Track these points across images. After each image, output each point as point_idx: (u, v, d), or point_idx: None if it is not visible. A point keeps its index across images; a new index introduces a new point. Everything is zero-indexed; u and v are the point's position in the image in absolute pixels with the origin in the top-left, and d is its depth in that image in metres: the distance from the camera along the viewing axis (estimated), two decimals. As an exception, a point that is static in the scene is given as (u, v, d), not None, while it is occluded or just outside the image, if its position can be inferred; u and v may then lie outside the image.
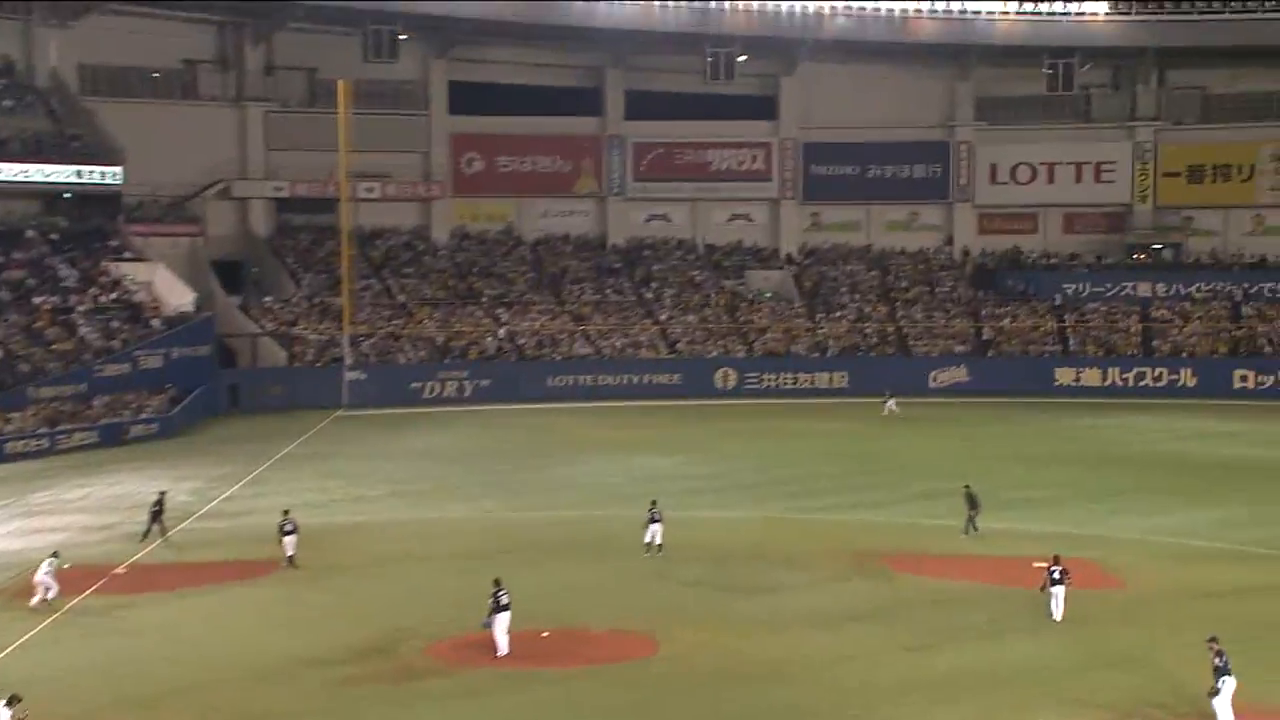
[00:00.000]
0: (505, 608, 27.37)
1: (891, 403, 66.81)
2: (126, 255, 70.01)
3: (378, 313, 76.16)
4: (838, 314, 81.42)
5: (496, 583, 27.80)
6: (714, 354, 77.62)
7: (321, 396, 68.25)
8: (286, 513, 35.82)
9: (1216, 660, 23.20)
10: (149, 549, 37.12)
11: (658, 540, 35.84)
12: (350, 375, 70.03)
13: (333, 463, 52.52)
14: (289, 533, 34.95)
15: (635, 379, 74.92)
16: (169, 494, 40.52)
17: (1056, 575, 29.75)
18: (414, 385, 71.83)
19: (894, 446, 57.13)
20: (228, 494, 45.74)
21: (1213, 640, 23.67)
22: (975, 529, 38.30)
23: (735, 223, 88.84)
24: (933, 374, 76.64)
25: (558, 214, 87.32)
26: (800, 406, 70.95)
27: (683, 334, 78.81)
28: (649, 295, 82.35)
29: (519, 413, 67.96)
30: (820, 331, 79.73)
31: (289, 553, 34.82)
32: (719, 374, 75.99)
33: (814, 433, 61.28)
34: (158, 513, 38.11)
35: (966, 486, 38.96)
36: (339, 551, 36.65)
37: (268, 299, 75.68)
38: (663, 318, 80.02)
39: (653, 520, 35.98)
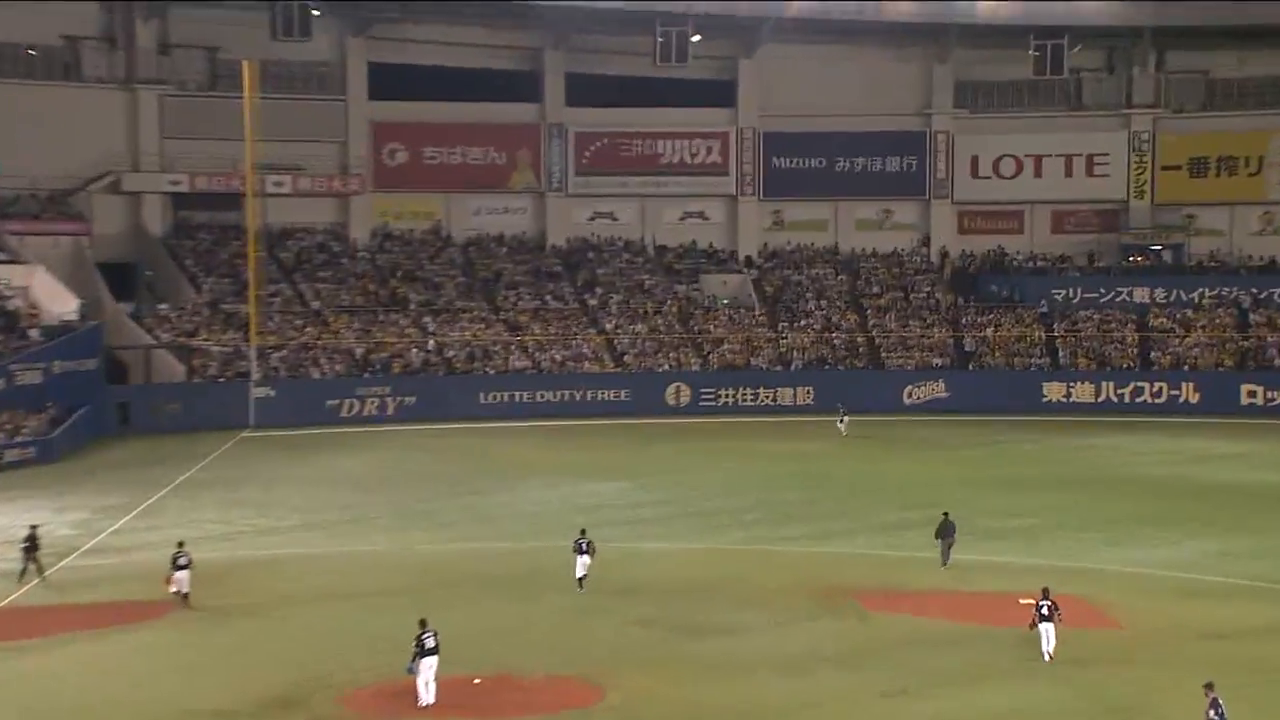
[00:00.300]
0: (432, 651, 27.26)
1: (843, 421, 67.26)
2: (0, 257, 69.21)
3: (289, 322, 75.75)
4: (802, 323, 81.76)
5: (422, 623, 27.70)
6: (665, 367, 77.76)
7: (225, 416, 67.87)
8: (181, 544, 35.44)
9: (1211, 712, 23.25)
10: (25, 590, 36.65)
11: (583, 573, 35.92)
12: (258, 392, 69.69)
13: (237, 490, 52.20)
14: (182, 567, 34.57)
15: (578, 395, 74.93)
16: (47, 527, 40.04)
17: (1045, 611, 29.92)
18: (330, 403, 71.50)
19: (866, 470, 57.48)
20: (116, 526, 45.29)
21: (1209, 686, 23.71)
22: (947, 561, 38.53)
23: (689, 221, 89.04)
24: (908, 389, 77.15)
25: (491, 211, 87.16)
26: (761, 425, 71.21)
27: (631, 345, 78.93)
28: (593, 302, 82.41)
29: (448, 433, 67.78)
30: (783, 342, 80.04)
31: (183, 590, 34.38)
32: (671, 389, 76.16)
33: (777, 454, 61.51)
34: (30, 549, 37.42)
35: (945, 514, 39.20)
36: (244, 590, 36.38)
37: (163, 306, 75.02)
38: (608, 327, 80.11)
39: (580, 551, 36.02)
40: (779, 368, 78.68)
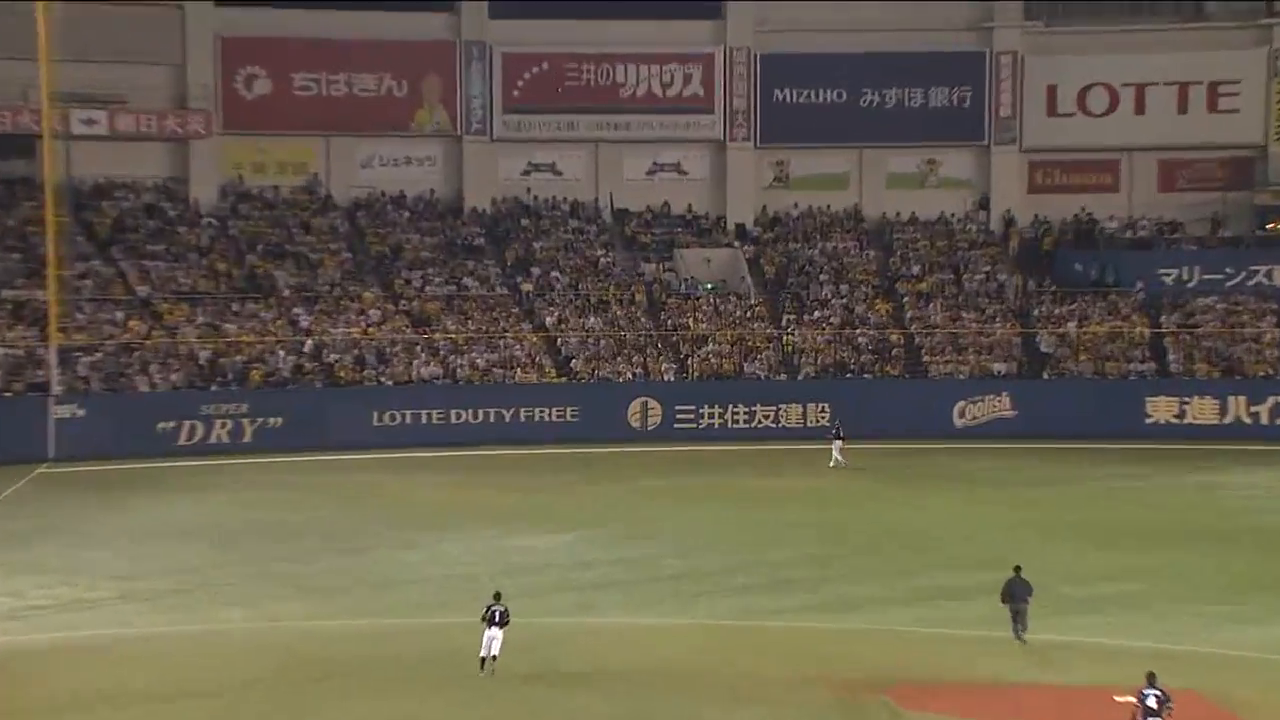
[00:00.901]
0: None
1: (836, 447, 67.77)
2: None
3: (105, 314, 75.59)
4: (815, 315, 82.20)
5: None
6: (628, 377, 78.05)
7: (13, 444, 67.67)
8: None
9: None
10: None
11: (494, 652, 35.87)
12: (60, 411, 69.49)
13: (30, 548, 51.76)
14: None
15: (507, 415, 75.23)
16: None
17: (1153, 703, 29.96)
18: (163, 426, 71.43)
19: (899, 517, 57.63)
20: None
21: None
22: (1024, 631, 38.68)
23: (659, 177, 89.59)
24: (959, 406, 77.67)
25: (388, 162, 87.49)
26: (758, 455, 71.50)
27: (580, 347, 79.09)
28: (528, 287, 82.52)
29: (329, 467, 67.86)
30: (789, 340, 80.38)
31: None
32: (635, 407, 76.46)
33: (778, 495, 61.75)
34: None
35: (1017, 569, 39.24)
36: (38, 688, 36.01)
37: (-74, 292, 74.90)
38: (549, 321, 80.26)
39: (491, 622, 35.91)
40: (782, 376, 79.02)
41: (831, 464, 67.49)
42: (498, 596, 36.74)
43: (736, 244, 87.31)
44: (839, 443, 68.09)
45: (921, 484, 64.72)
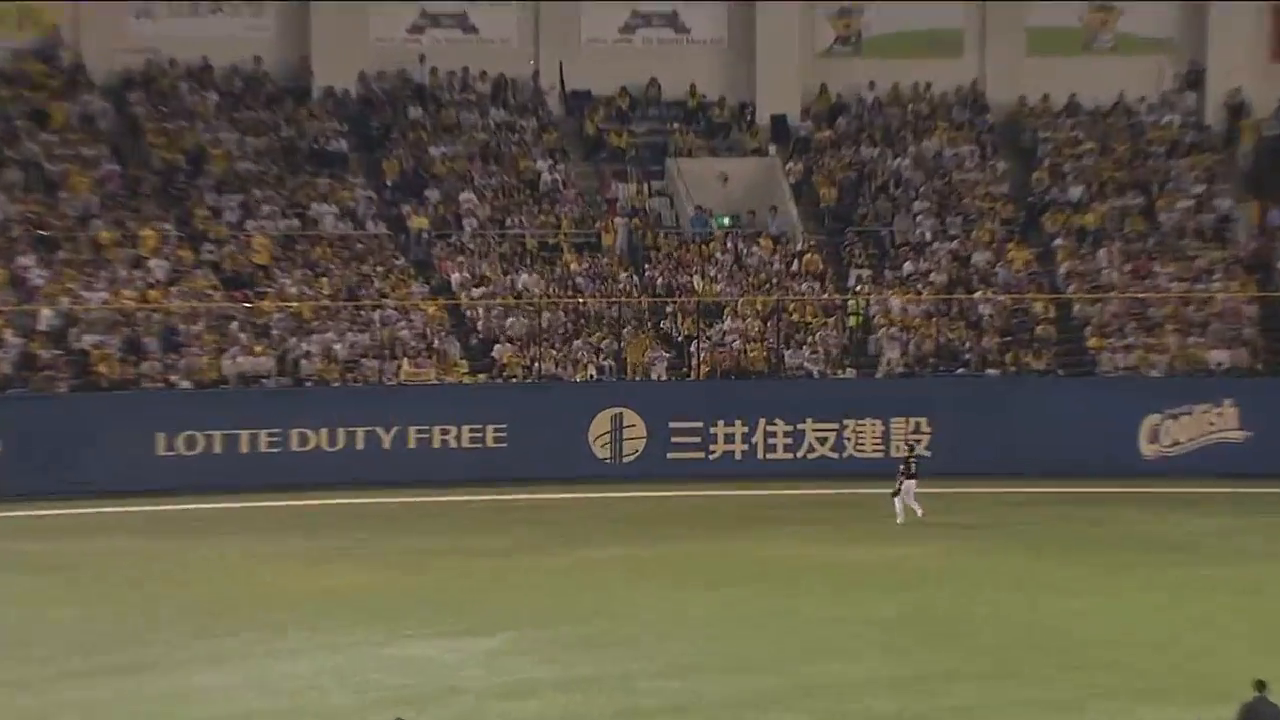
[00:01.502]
0: None
1: (905, 490, 67.39)
2: None
3: None
4: (905, 269, 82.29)
5: None
6: (591, 374, 78.22)
7: None
8: None
9: None
10: None
11: None
12: None
13: None
14: None
15: (387, 438, 75.43)
16: None
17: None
18: None
19: (1045, 610, 56.72)
20: None
21: None
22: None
23: (643, 36, 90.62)
24: (1150, 423, 77.35)
25: (183, 11, 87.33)
26: (806, 505, 71.81)
27: (508, 320, 79.03)
28: (421, 222, 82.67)
29: (81, 526, 67.93)
30: (858, 310, 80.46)
31: None
32: (600, 424, 76.31)
33: (841, 572, 61.08)
34: None
35: (1260, 686, 37.68)
36: None
37: None
38: (457, 279, 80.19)
39: None
40: (850, 373, 79.11)
41: (900, 520, 67.00)
42: (399, 728, 35.88)
43: (772, 150, 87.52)
44: (911, 484, 67.36)
45: (1084, 555, 63.76)
